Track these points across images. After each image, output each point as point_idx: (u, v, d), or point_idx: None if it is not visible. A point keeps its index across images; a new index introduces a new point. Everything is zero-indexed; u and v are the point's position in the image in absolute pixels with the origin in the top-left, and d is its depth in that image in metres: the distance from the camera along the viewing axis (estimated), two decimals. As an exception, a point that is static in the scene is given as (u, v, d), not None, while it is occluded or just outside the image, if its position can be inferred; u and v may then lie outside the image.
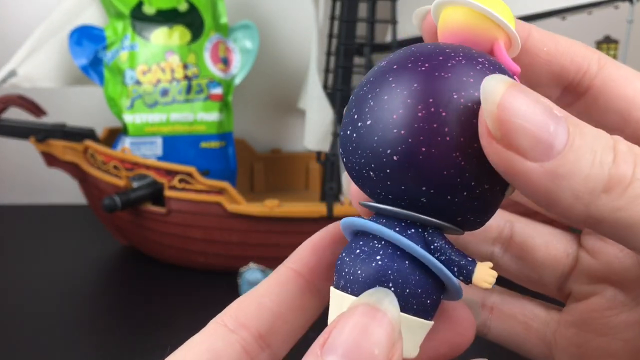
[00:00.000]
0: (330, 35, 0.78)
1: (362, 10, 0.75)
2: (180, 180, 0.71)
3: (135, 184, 0.72)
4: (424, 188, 0.16)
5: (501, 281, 0.25)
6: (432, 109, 0.16)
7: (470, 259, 0.17)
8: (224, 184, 0.70)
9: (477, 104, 0.16)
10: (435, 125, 0.16)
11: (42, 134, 0.75)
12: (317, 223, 0.70)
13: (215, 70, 0.80)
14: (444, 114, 0.16)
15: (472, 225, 0.18)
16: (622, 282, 0.21)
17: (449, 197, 0.16)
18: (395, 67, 0.17)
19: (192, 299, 0.67)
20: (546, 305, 0.23)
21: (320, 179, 0.86)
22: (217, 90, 0.80)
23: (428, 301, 0.17)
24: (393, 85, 0.16)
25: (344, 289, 0.17)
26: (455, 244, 0.22)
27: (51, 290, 0.70)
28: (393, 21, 0.75)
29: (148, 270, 0.75)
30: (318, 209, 0.70)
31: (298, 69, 0.88)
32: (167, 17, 0.78)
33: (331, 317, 0.18)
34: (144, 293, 0.70)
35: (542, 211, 0.23)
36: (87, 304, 0.68)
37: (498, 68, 0.17)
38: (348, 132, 0.17)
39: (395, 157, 0.16)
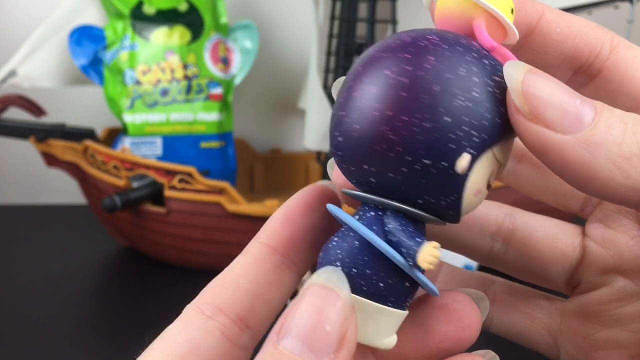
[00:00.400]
0: (330, 35, 0.78)
1: (362, 10, 0.75)
2: (180, 180, 0.71)
3: (135, 184, 0.72)
4: (365, 166, 0.16)
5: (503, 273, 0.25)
6: (364, 87, 0.16)
7: (418, 240, 0.16)
8: (224, 184, 0.70)
9: (409, 77, 0.16)
10: (365, 102, 0.16)
11: (42, 134, 0.75)
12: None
13: (215, 70, 0.80)
14: (373, 90, 0.16)
15: (443, 210, 0.17)
16: (634, 271, 0.20)
17: (390, 174, 0.16)
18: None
19: (192, 299, 0.67)
20: (549, 296, 0.23)
21: (320, 179, 0.86)
22: (217, 90, 0.80)
23: (381, 284, 0.17)
24: (349, 72, 0.17)
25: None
26: (452, 239, 0.22)
27: (51, 290, 0.70)
28: (393, 21, 0.75)
29: (148, 270, 0.75)
30: (318, 209, 0.70)
31: (298, 69, 0.88)
32: (167, 17, 0.78)
33: None
34: (144, 293, 0.70)
35: (542, 199, 0.22)
36: (87, 304, 0.68)
37: (450, 43, 0.16)
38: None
39: (340, 139, 0.17)
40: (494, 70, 0.16)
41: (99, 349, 0.59)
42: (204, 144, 0.79)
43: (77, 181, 0.79)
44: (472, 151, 0.16)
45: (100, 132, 0.82)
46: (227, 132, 0.81)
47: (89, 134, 0.77)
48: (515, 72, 0.16)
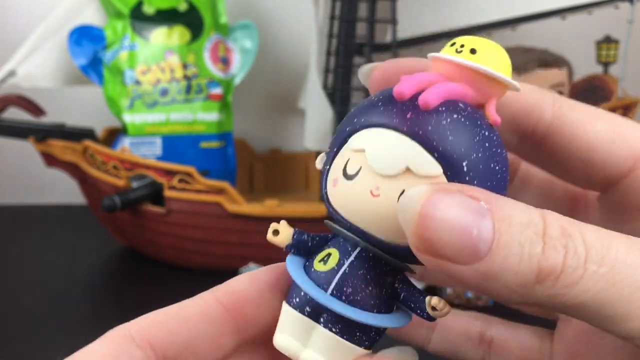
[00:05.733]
0: (330, 35, 0.78)
1: (362, 10, 0.75)
2: (180, 180, 0.71)
3: (134, 184, 0.72)
4: None
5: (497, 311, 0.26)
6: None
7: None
8: (224, 184, 0.70)
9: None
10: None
11: (42, 134, 0.75)
12: (317, 223, 0.70)
13: (214, 70, 0.80)
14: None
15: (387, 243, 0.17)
16: None
17: None
18: None
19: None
20: (539, 333, 0.23)
21: (320, 178, 0.86)
22: (217, 90, 0.80)
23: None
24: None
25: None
26: (449, 350, 0.25)
27: (50, 290, 0.69)
28: (393, 21, 0.75)
29: (147, 270, 0.75)
30: (318, 209, 0.70)
31: (298, 69, 0.88)
32: (166, 17, 0.78)
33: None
34: (143, 293, 0.70)
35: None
36: (86, 304, 0.68)
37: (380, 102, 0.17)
38: None
39: None
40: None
41: (98, 349, 0.59)
42: (203, 144, 0.79)
43: (76, 181, 0.79)
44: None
45: (99, 132, 0.82)
46: (227, 132, 0.81)
47: (88, 134, 0.77)
48: (410, 211, 0.15)
